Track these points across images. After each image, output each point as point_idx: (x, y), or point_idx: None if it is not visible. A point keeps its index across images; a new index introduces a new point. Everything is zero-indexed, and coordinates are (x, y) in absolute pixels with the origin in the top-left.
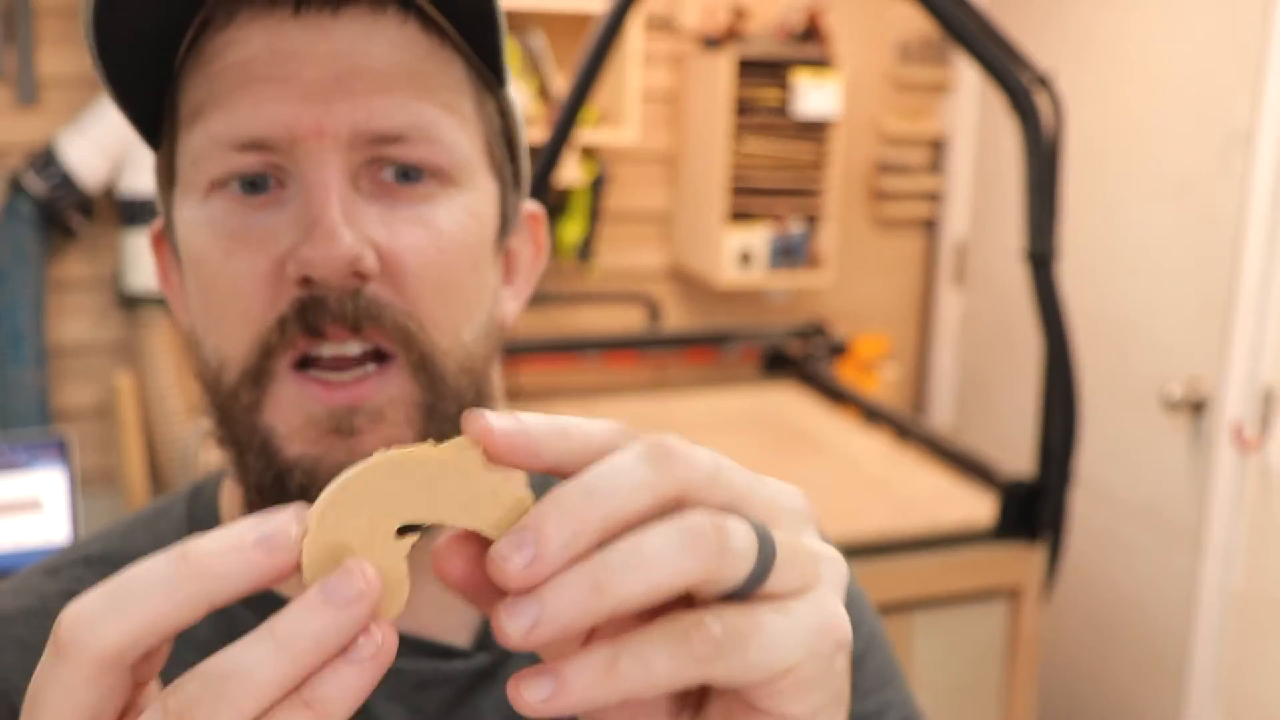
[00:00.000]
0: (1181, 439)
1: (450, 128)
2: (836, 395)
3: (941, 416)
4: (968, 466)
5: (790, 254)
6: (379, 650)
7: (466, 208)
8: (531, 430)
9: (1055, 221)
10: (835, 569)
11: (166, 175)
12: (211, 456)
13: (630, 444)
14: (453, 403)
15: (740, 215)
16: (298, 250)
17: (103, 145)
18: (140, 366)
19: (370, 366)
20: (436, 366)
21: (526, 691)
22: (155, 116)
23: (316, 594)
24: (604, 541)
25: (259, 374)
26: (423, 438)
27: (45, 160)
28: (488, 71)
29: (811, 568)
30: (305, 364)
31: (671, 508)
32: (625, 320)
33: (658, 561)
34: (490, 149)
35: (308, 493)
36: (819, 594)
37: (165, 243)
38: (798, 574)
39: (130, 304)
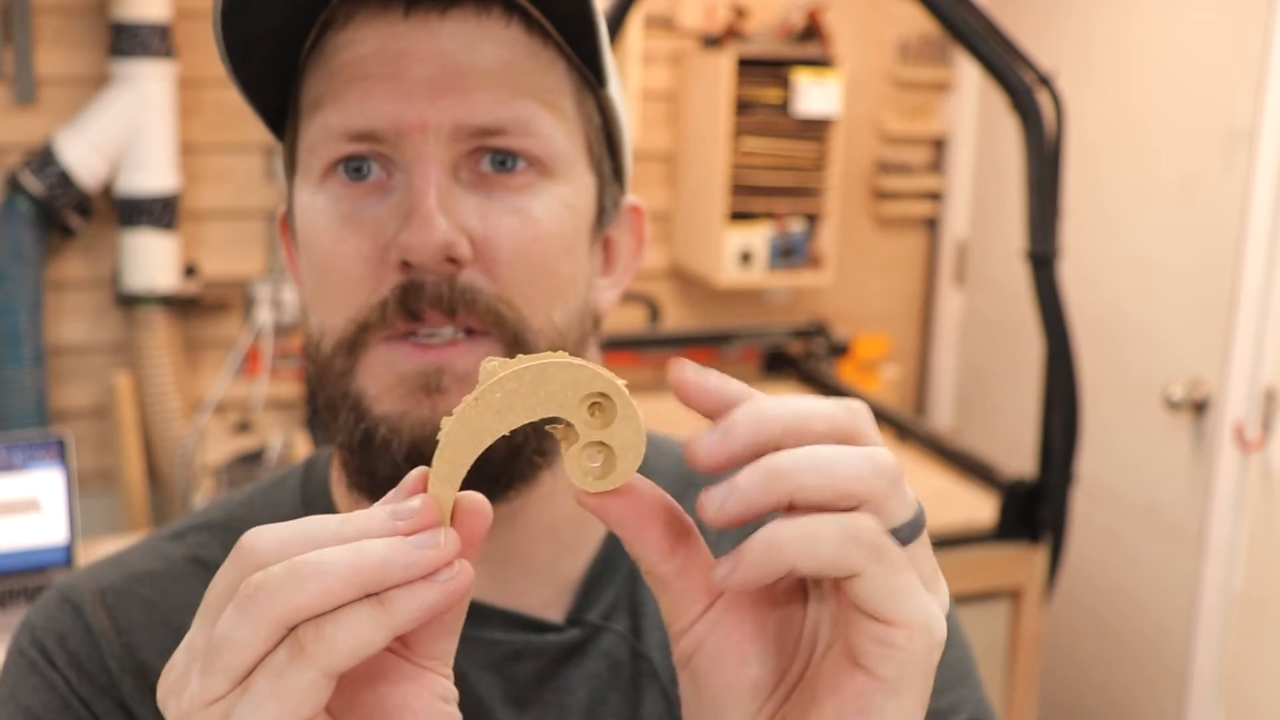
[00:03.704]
0: (1183, 439)
1: (548, 123)
2: (837, 395)
3: (942, 416)
4: (969, 467)
5: (790, 253)
6: (455, 579)
7: (561, 198)
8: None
9: (1056, 221)
10: (946, 588)
11: (289, 163)
12: (210, 456)
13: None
14: None
15: (740, 215)
16: (398, 236)
17: (100, 145)
18: (138, 367)
19: (461, 335)
20: (527, 344)
21: (715, 572)
22: (280, 109)
23: (401, 532)
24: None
25: (353, 345)
26: None
27: (43, 160)
28: (588, 71)
29: (936, 568)
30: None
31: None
32: (625, 320)
33: (837, 464)
34: (589, 144)
35: (390, 446)
36: (941, 594)
37: (289, 227)
38: (931, 561)
39: (128, 304)
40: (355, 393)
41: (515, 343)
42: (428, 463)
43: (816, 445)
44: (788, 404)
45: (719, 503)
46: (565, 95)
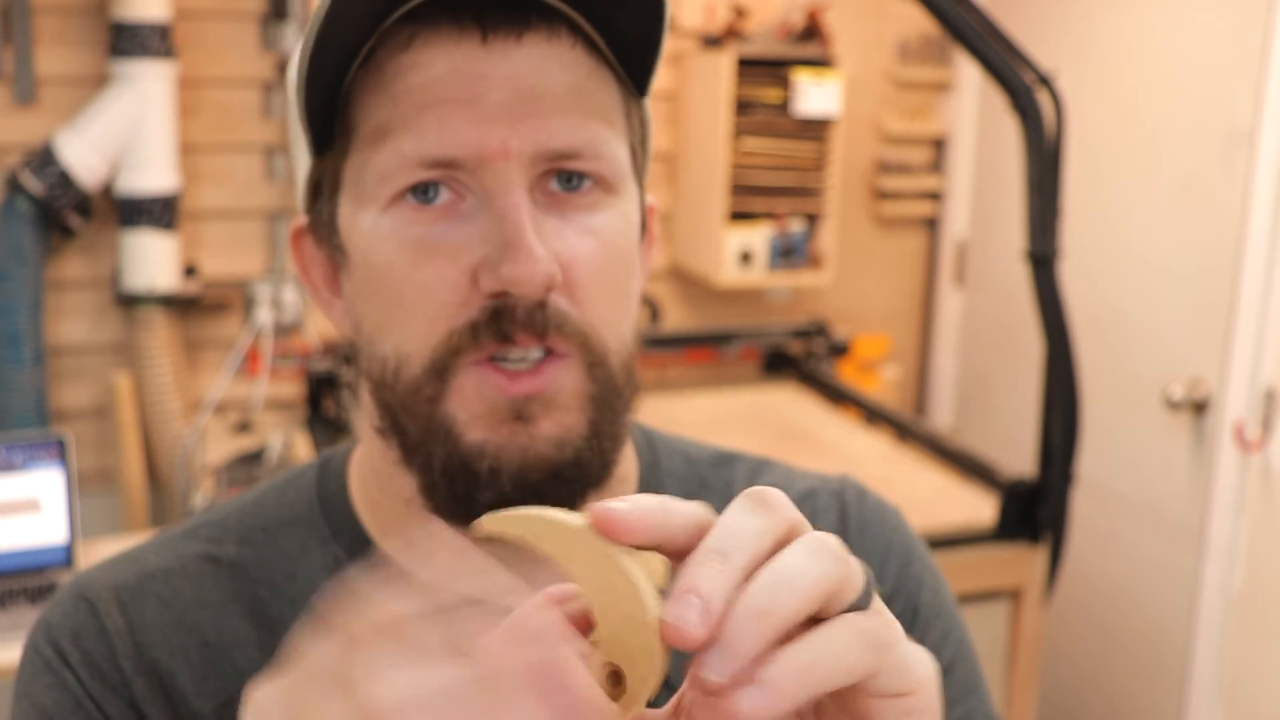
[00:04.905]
0: (1183, 439)
1: (611, 142)
2: (836, 395)
3: (942, 416)
4: (968, 467)
5: (790, 253)
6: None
7: (624, 215)
8: (640, 508)
9: (1056, 221)
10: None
11: (332, 182)
12: (210, 456)
13: (732, 503)
14: (615, 395)
15: (740, 215)
16: (498, 267)
17: (100, 145)
18: (138, 366)
19: (546, 356)
20: (606, 365)
21: (744, 703)
22: (323, 128)
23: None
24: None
25: (444, 369)
26: (592, 426)
27: (43, 160)
28: (632, 84)
29: (889, 615)
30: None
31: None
32: None
33: (802, 574)
34: (635, 155)
35: (499, 475)
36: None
37: (305, 240)
38: (887, 614)
39: (128, 304)
40: (446, 419)
41: (597, 363)
42: (534, 489)
43: (773, 568)
44: (728, 541)
45: (723, 671)
46: (618, 110)
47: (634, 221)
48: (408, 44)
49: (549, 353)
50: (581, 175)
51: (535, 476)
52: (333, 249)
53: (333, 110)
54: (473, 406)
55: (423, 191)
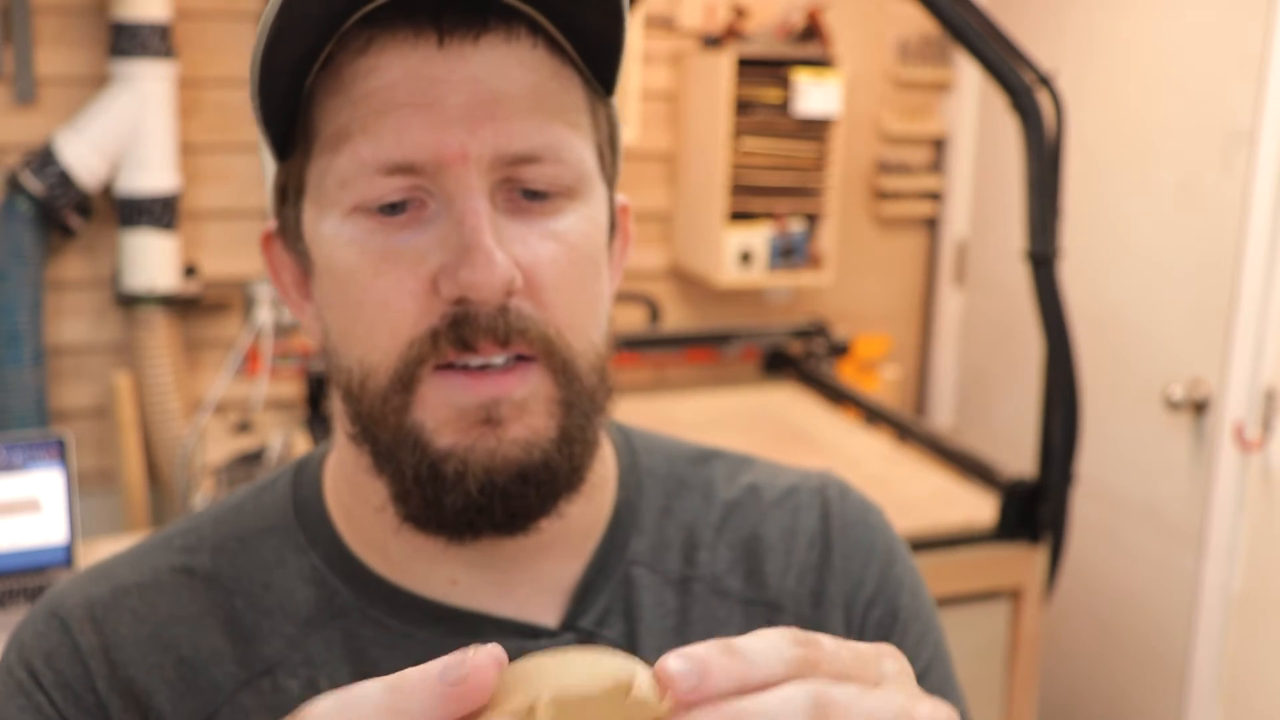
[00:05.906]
0: (1183, 439)
1: (574, 145)
2: (836, 395)
3: (942, 416)
4: (968, 467)
5: (790, 253)
6: None
7: (588, 218)
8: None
9: (1056, 221)
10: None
11: (296, 187)
12: (210, 456)
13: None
14: (586, 399)
15: (740, 215)
16: (456, 273)
17: (100, 144)
18: (138, 366)
19: (512, 361)
20: (574, 368)
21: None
22: (286, 132)
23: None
24: None
25: (409, 380)
26: (561, 429)
27: (43, 160)
28: (599, 85)
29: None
30: (447, 366)
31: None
32: (625, 320)
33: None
34: (601, 155)
35: (464, 479)
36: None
37: (275, 244)
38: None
39: (128, 304)
40: (414, 428)
41: (563, 368)
42: (500, 491)
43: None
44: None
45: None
46: (583, 111)
47: (600, 224)
48: (365, 47)
49: (516, 358)
50: (544, 193)
51: (502, 479)
52: (299, 254)
53: (295, 114)
54: (439, 413)
55: (389, 206)
